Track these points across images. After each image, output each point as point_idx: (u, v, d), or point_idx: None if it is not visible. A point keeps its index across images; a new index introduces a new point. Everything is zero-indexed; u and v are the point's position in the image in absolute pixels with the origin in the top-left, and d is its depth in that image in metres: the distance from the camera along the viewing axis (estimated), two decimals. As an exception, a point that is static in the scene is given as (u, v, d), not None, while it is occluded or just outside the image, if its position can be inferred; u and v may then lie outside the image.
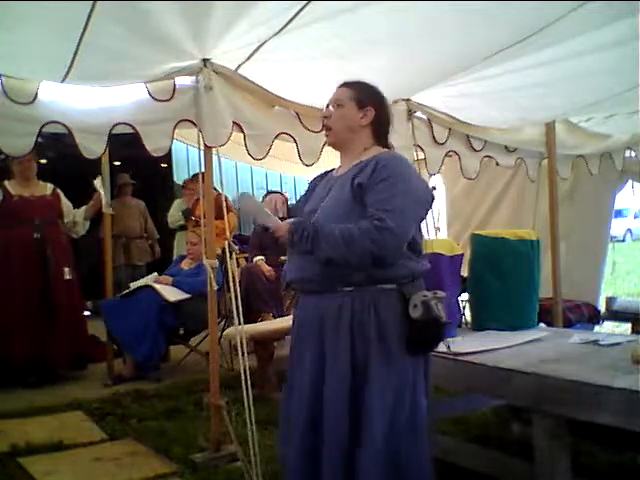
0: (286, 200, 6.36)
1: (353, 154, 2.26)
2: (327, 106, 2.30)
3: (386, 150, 2.28)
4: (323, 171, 2.49)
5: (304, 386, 2.15)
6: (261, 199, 6.75)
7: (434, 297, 2.09)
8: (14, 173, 5.04)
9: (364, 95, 2.26)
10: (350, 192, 2.13)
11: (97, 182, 5.11)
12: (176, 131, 3.30)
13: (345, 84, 2.30)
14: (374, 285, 2.09)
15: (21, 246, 4.89)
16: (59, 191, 5.24)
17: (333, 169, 2.42)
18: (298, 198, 2.58)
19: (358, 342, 2.07)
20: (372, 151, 2.25)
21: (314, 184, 2.44)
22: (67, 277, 5.03)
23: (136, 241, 7.33)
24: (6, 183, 5.03)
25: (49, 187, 5.20)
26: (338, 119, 2.24)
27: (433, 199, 2.30)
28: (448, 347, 2.44)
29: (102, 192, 5.10)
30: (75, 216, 5.29)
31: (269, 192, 6.75)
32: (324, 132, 2.32)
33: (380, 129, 2.31)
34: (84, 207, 5.31)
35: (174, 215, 6.88)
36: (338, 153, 2.39)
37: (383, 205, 2.03)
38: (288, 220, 2.15)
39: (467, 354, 2.76)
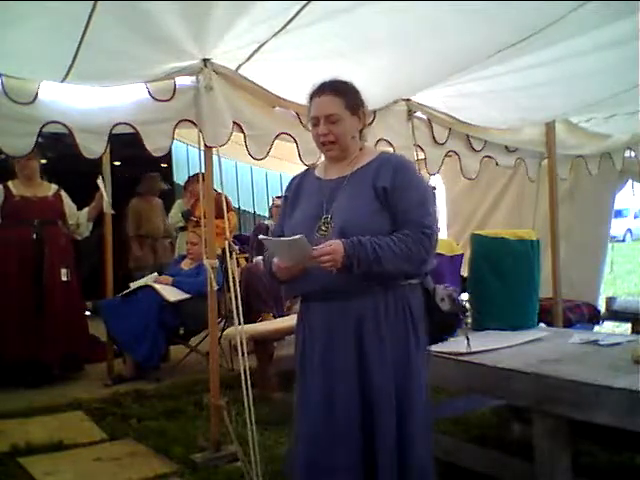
0: None
1: (350, 157, 2.23)
2: (315, 118, 2.19)
3: (383, 149, 2.35)
4: (296, 177, 2.40)
5: (348, 388, 2.10)
6: (271, 203, 6.77)
7: (452, 290, 2.25)
8: (17, 172, 5.05)
9: (352, 99, 2.21)
10: (374, 195, 2.13)
11: (101, 182, 5.11)
12: (176, 131, 3.31)
13: (329, 91, 2.19)
14: (404, 281, 2.15)
15: (19, 246, 4.88)
16: (63, 192, 5.23)
17: (308, 171, 2.37)
18: (279, 221, 2.42)
19: (396, 338, 2.10)
20: (369, 151, 2.29)
21: (294, 191, 2.34)
22: (64, 278, 5.02)
23: (161, 240, 7.32)
24: (9, 183, 5.03)
25: (53, 188, 5.19)
26: (342, 133, 2.18)
27: (434, 193, 2.37)
28: (468, 342, 2.48)
29: (104, 191, 5.10)
30: (79, 218, 5.29)
31: (278, 197, 6.76)
32: (324, 148, 2.22)
33: (365, 125, 2.30)
34: (87, 208, 5.31)
35: (174, 217, 6.88)
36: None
37: (420, 211, 2.12)
38: (334, 242, 2.01)
39: (467, 354, 2.76)
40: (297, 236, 1.99)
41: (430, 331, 2.19)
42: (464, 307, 2.25)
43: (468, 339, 2.44)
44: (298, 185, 2.35)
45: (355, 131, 2.22)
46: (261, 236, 2.13)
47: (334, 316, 2.14)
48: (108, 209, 5.20)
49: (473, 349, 2.82)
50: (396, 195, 2.11)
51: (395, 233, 2.09)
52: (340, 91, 2.20)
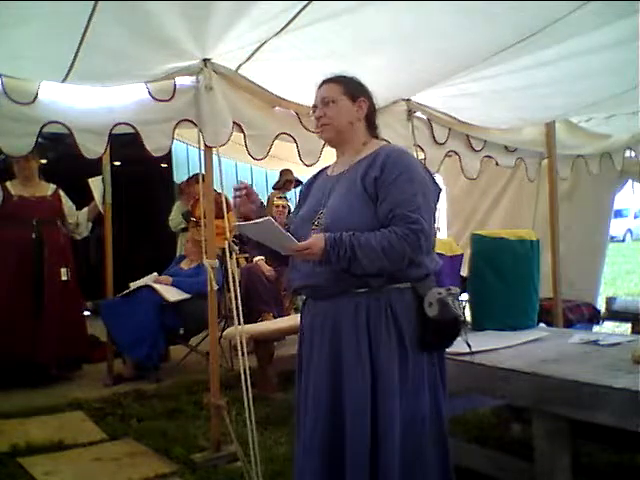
0: (288, 205, 6.40)
1: (352, 149, 2.23)
2: (314, 107, 2.25)
3: (386, 143, 2.31)
4: (312, 174, 2.46)
5: (321, 388, 2.09)
6: (266, 201, 6.76)
7: (449, 294, 2.07)
8: (16, 173, 5.05)
9: (353, 87, 2.23)
10: (362, 189, 2.09)
11: (92, 182, 5.10)
12: (176, 131, 3.30)
13: (328, 80, 2.24)
14: (389, 285, 2.07)
15: (18, 246, 4.88)
16: (61, 192, 5.23)
17: (324, 169, 2.39)
18: (294, 208, 2.50)
19: (375, 343, 2.04)
20: (372, 145, 2.24)
21: (307, 188, 2.40)
22: (63, 278, 5.01)
23: None
24: (7, 183, 5.03)
25: (51, 188, 5.19)
26: (335, 114, 2.19)
27: (439, 190, 2.24)
28: (468, 344, 2.31)
29: (95, 193, 5.10)
30: (78, 217, 5.29)
31: (278, 197, 6.75)
32: (319, 130, 2.25)
33: (372, 119, 2.28)
34: (86, 208, 5.31)
35: (175, 219, 6.87)
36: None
37: (409, 205, 2.02)
38: (317, 235, 2.01)
39: (467, 354, 2.76)
40: (264, 218, 2.00)
41: (421, 338, 2.07)
42: (457, 314, 2.06)
43: (469, 345, 2.28)
44: (310, 183, 2.40)
45: (353, 117, 2.20)
46: (236, 222, 2.12)
47: (316, 315, 2.17)
48: (108, 209, 5.19)
49: (473, 349, 2.82)
50: (384, 186, 2.05)
51: (381, 229, 2.01)
52: (339, 80, 2.23)
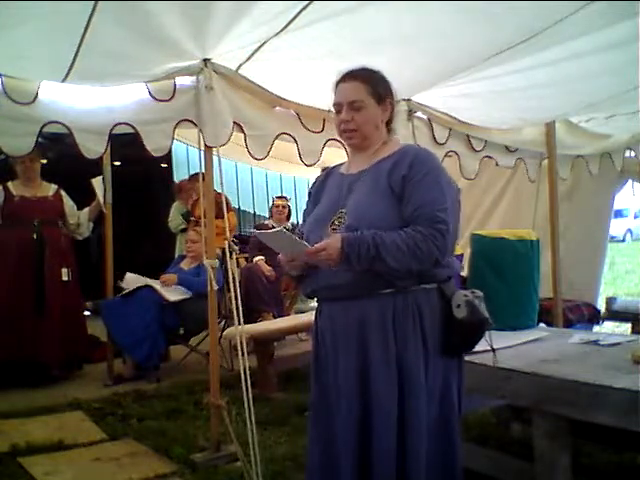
0: (288, 205, 6.40)
1: (372, 149, 2.17)
2: (338, 104, 2.14)
3: (406, 142, 2.26)
4: (321, 174, 2.40)
5: (352, 390, 2.04)
6: (271, 203, 6.77)
7: (475, 296, 2.06)
8: (18, 173, 5.05)
9: (380, 87, 2.15)
10: (388, 188, 2.04)
11: (95, 182, 5.10)
12: (176, 131, 3.30)
13: (354, 77, 2.13)
14: (416, 285, 2.03)
15: (19, 246, 4.89)
16: (63, 192, 5.23)
17: (335, 167, 2.34)
18: (304, 210, 2.41)
19: (402, 344, 2.00)
20: (393, 144, 2.20)
21: (319, 188, 2.32)
22: (64, 278, 5.02)
23: None
24: (9, 184, 5.04)
25: (52, 188, 5.20)
26: (365, 121, 2.12)
27: (458, 190, 2.17)
28: (492, 348, 2.31)
29: (99, 192, 5.10)
30: (79, 217, 5.29)
31: (278, 197, 6.76)
32: (345, 135, 2.16)
33: (392, 117, 2.23)
34: (87, 208, 5.32)
35: (175, 220, 6.87)
36: (338, 152, 2.37)
37: (437, 204, 1.98)
38: (333, 236, 1.95)
39: (467, 354, 2.76)
40: (277, 228, 2.04)
41: (446, 340, 2.04)
42: (485, 317, 2.05)
43: (492, 348, 2.28)
44: (322, 182, 2.32)
45: (379, 121, 2.16)
46: (255, 231, 2.13)
47: (338, 317, 2.10)
48: (108, 209, 5.20)
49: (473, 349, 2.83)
50: (411, 185, 2.00)
51: (405, 228, 1.96)
52: (366, 78, 2.13)
